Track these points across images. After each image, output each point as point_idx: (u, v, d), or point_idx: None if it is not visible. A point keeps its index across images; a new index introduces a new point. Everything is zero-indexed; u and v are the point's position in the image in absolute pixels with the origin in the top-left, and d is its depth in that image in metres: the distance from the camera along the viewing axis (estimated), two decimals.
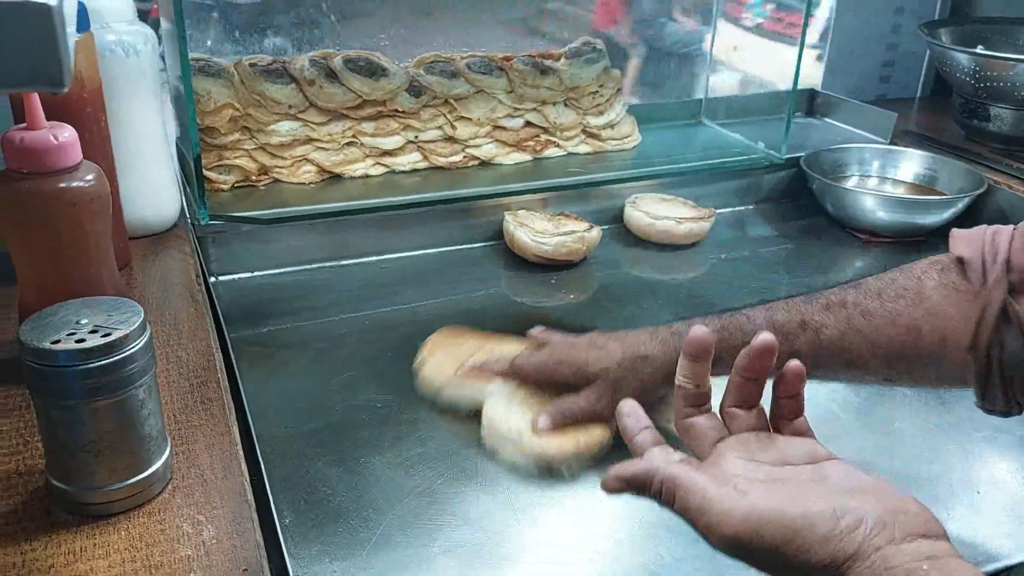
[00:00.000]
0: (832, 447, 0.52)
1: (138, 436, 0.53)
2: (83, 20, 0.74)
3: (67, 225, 0.63)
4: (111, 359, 0.50)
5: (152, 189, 0.90)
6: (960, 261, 0.64)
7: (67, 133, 0.62)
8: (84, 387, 0.49)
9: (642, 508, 0.68)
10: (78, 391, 0.50)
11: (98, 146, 0.79)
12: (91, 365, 0.49)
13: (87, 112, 0.77)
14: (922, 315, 0.64)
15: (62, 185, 0.62)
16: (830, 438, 0.54)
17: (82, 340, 0.49)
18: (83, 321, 0.51)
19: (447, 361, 0.79)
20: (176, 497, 0.55)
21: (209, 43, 1.06)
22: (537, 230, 1.06)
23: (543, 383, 0.73)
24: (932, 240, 1.18)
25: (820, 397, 0.83)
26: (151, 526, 0.52)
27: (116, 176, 0.82)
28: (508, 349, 0.78)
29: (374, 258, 1.08)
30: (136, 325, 0.51)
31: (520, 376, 0.74)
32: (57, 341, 0.49)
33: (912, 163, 1.29)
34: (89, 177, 0.64)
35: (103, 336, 0.50)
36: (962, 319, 0.62)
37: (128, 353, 0.50)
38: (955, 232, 0.68)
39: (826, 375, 0.67)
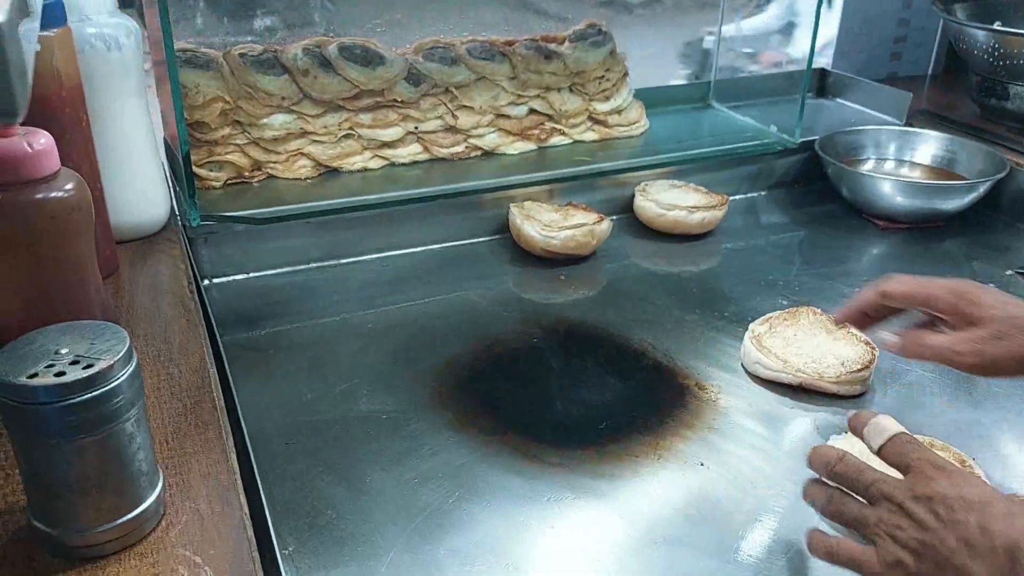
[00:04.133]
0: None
1: (127, 473, 0.49)
2: (58, 15, 0.70)
3: (46, 240, 0.58)
4: (94, 393, 0.45)
5: (139, 190, 0.85)
6: None
7: (43, 140, 0.58)
8: (65, 424, 0.45)
9: (661, 526, 0.65)
10: (59, 429, 0.45)
11: (79, 148, 0.74)
12: (72, 401, 0.45)
13: (66, 113, 0.72)
14: None
15: (39, 196, 0.57)
16: None
17: (62, 373, 0.45)
18: (63, 351, 0.47)
19: None
20: (170, 535, 0.51)
21: (199, 22, 1.01)
22: (544, 223, 1.02)
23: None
24: (951, 226, 1.13)
25: None
26: (143, 569, 0.48)
27: (100, 179, 0.77)
28: None
29: (375, 256, 1.03)
30: (121, 354, 0.47)
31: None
32: (34, 375, 0.45)
33: (930, 145, 1.24)
34: (69, 186, 0.59)
35: (85, 368, 0.45)
36: None
37: (113, 385, 0.46)
38: None
39: None
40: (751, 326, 0.87)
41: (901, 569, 0.51)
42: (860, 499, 0.56)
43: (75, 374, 0.45)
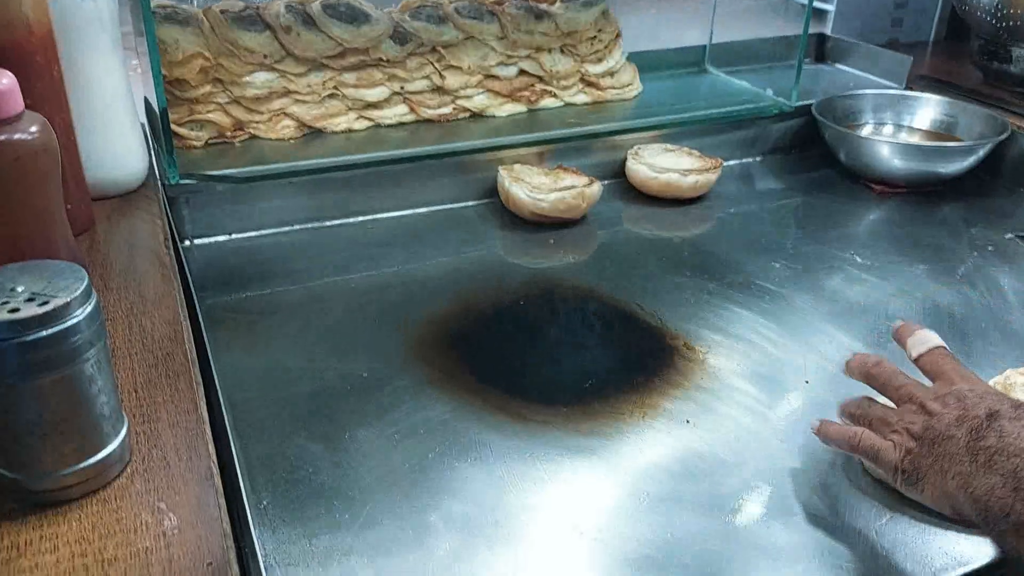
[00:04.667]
0: None
1: (89, 416, 0.47)
2: None
3: (10, 182, 0.56)
4: (50, 331, 0.44)
5: (116, 146, 0.83)
6: None
7: (5, 80, 0.56)
8: (21, 364, 0.44)
9: (647, 482, 0.63)
10: (15, 369, 0.44)
11: (51, 98, 0.72)
12: (27, 338, 0.43)
13: (36, 60, 0.70)
14: None
15: (2, 138, 0.55)
16: None
17: (16, 310, 0.43)
18: (19, 289, 0.45)
19: None
20: (135, 482, 0.49)
21: None
22: (534, 185, 1.00)
23: None
24: (950, 191, 1.11)
25: None
26: (106, 515, 0.47)
27: (73, 131, 0.75)
28: None
29: (359, 218, 1.01)
30: (79, 292, 0.45)
31: None
32: None
33: (929, 109, 1.22)
34: (33, 129, 0.57)
35: (40, 304, 0.44)
36: None
37: (70, 324, 0.44)
38: None
39: None
40: None
41: (909, 456, 0.57)
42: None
43: (30, 311, 0.43)
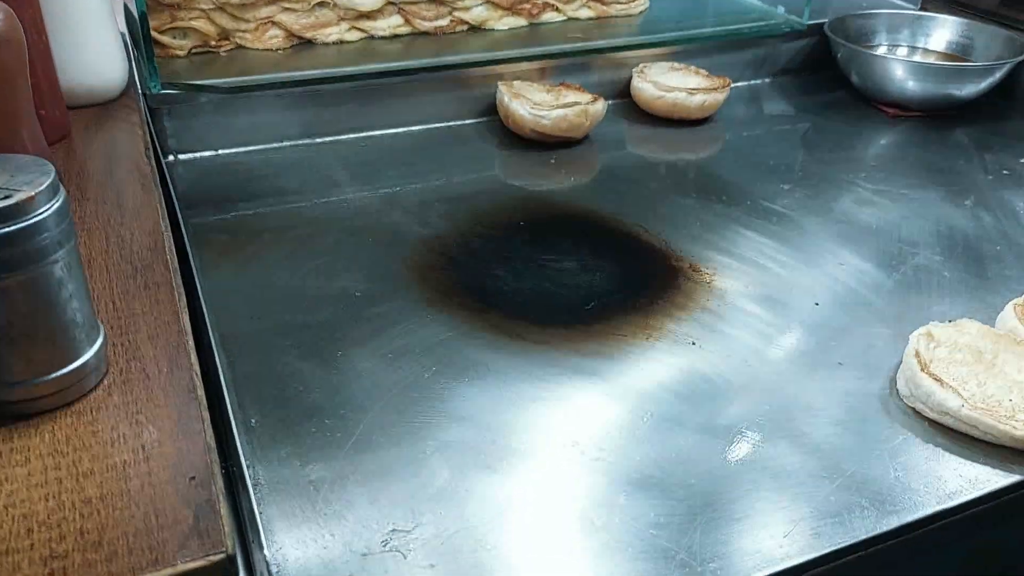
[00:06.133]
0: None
1: (59, 322, 0.44)
2: None
3: None
4: (14, 227, 0.40)
5: (92, 51, 0.78)
6: None
7: None
8: None
9: (650, 403, 0.61)
10: None
11: None
12: None
13: None
14: None
15: None
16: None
17: None
18: None
19: None
20: (112, 395, 0.46)
21: None
22: (535, 102, 0.95)
23: None
24: (964, 115, 1.07)
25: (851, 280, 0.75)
26: (80, 428, 0.44)
27: (45, 32, 0.70)
28: None
29: (352, 135, 0.97)
30: (44, 186, 0.41)
31: None
32: None
33: (946, 30, 1.17)
34: None
35: (2, 199, 0.40)
36: None
37: (36, 220, 0.41)
38: None
39: None
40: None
41: None
42: None
43: None
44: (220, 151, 0.91)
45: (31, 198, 0.41)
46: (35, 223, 0.41)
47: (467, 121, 1.02)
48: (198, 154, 0.91)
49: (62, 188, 0.43)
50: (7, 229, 0.40)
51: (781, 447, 0.57)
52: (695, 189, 0.91)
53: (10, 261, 0.41)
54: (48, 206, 0.42)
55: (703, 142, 1.04)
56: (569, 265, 0.77)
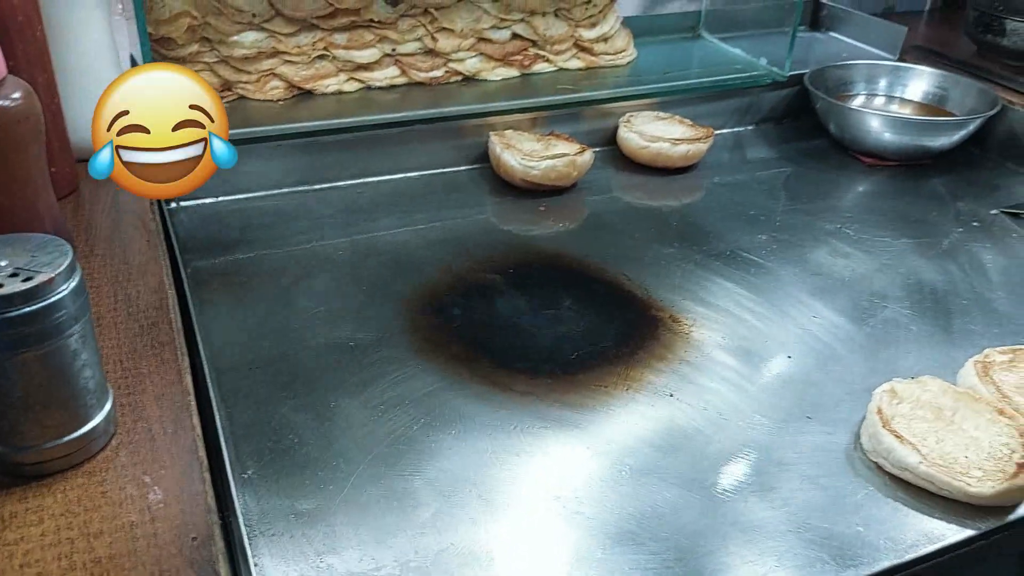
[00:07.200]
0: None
1: (73, 390, 0.47)
2: None
3: None
4: (35, 307, 0.44)
5: None
6: None
7: None
8: (4, 340, 0.44)
9: (629, 456, 0.64)
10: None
11: (34, 59, 0.71)
12: (12, 314, 0.43)
13: (18, 20, 0.68)
14: None
15: None
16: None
17: (0, 286, 0.43)
18: (2, 263, 0.45)
19: None
20: (120, 455, 0.49)
21: None
22: (525, 152, 0.99)
23: None
24: (939, 164, 1.11)
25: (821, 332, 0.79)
26: (91, 488, 0.47)
27: (57, 93, 0.74)
28: None
29: (348, 182, 1.00)
30: (63, 267, 0.45)
31: None
32: None
33: (921, 81, 1.21)
34: (16, 95, 0.56)
35: (24, 280, 0.44)
36: None
37: (55, 299, 0.44)
38: None
39: None
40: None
41: None
42: None
43: (13, 287, 0.43)
44: (220, 198, 0.95)
45: (50, 280, 0.44)
46: (54, 302, 0.44)
47: (460, 168, 1.06)
48: (199, 201, 0.94)
49: (79, 267, 0.46)
50: (28, 309, 0.44)
51: (752, 502, 0.60)
52: (677, 237, 0.95)
53: (30, 338, 0.44)
54: (66, 285, 0.45)
55: (687, 190, 1.07)
56: (554, 313, 0.81)
